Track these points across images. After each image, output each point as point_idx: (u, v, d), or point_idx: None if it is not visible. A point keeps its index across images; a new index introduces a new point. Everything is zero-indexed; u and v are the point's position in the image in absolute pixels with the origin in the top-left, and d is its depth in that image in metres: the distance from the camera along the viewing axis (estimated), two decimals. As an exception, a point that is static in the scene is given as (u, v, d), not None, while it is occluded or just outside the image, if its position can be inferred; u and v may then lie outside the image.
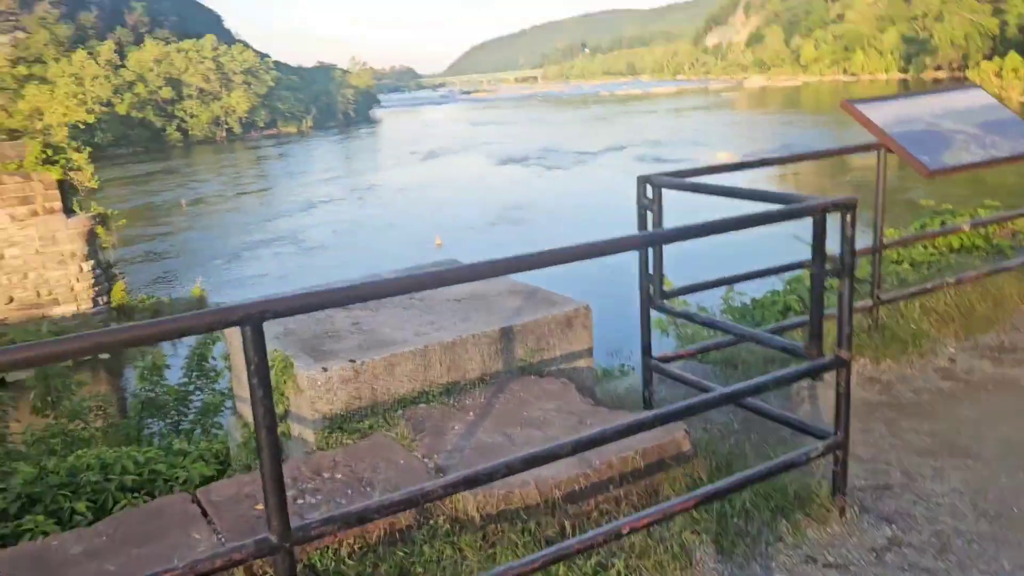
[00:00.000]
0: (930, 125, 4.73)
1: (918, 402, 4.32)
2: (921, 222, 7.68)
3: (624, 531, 2.57)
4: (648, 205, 3.68)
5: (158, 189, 54.51)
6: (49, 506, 4.10)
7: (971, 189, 19.34)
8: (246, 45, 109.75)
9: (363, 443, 3.28)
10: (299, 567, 2.54)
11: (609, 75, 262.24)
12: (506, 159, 59.11)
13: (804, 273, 5.74)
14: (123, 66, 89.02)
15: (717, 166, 4.14)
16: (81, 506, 4.11)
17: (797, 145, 54.29)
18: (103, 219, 23.63)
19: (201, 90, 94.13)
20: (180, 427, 8.93)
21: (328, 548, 2.65)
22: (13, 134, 24.34)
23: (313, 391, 3.38)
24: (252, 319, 1.82)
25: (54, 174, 21.97)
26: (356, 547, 2.68)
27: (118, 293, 23.46)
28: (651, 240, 3.26)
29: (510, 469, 2.35)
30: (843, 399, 3.03)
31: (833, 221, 3.03)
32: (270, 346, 3.70)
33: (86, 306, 22.69)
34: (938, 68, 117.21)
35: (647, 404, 3.98)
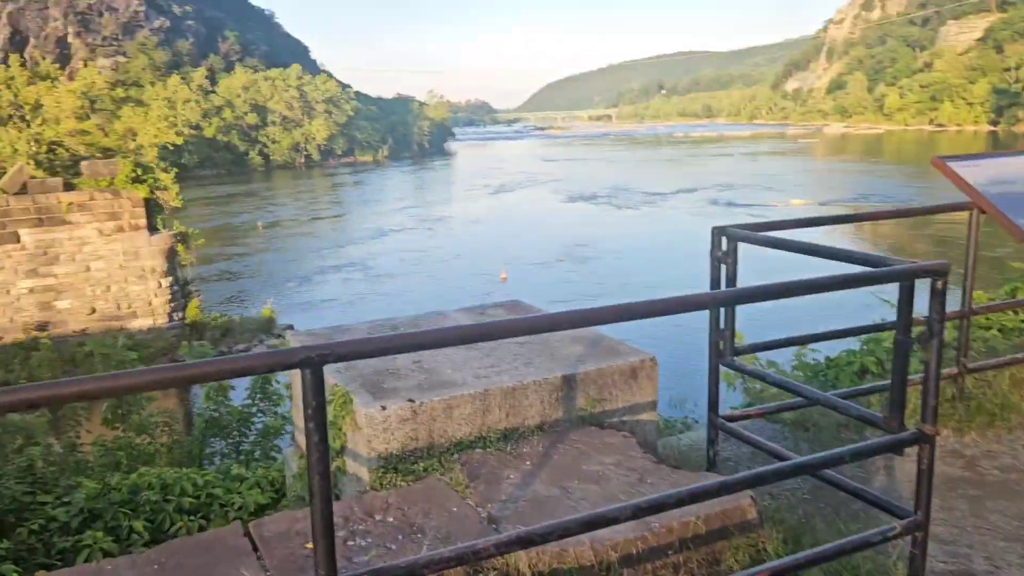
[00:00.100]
0: (1027, 186, 4.49)
1: (1005, 481, 4.04)
2: (1012, 287, 7.30)
3: (683, 603, 2.44)
4: (722, 258, 3.57)
5: (238, 211, 56.43)
6: (109, 523, 4.16)
7: (1064, 250, 18.42)
8: (329, 75, 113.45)
9: (417, 486, 3.23)
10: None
11: (684, 116, 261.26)
12: (576, 196, 59.24)
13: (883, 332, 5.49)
14: (213, 92, 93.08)
15: (799, 220, 3.99)
16: (139, 525, 4.16)
17: (877, 195, 52.93)
18: (183, 237, 24.50)
19: (284, 117, 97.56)
20: (241, 447, 9.07)
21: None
22: (107, 152, 25.44)
23: (371, 429, 3.35)
24: (312, 363, 1.79)
25: (141, 192, 22.91)
26: (403, 597, 2.61)
27: (192, 310, 24.18)
28: (726, 300, 3.15)
29: (566, 532, 2.26)
30: (925, 477, 2.83)
31: (921, 282, 2.88)
32: (331, 380, 3.70)
33: (162, 321, 23.44)
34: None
35: (711, 464, 3.82)
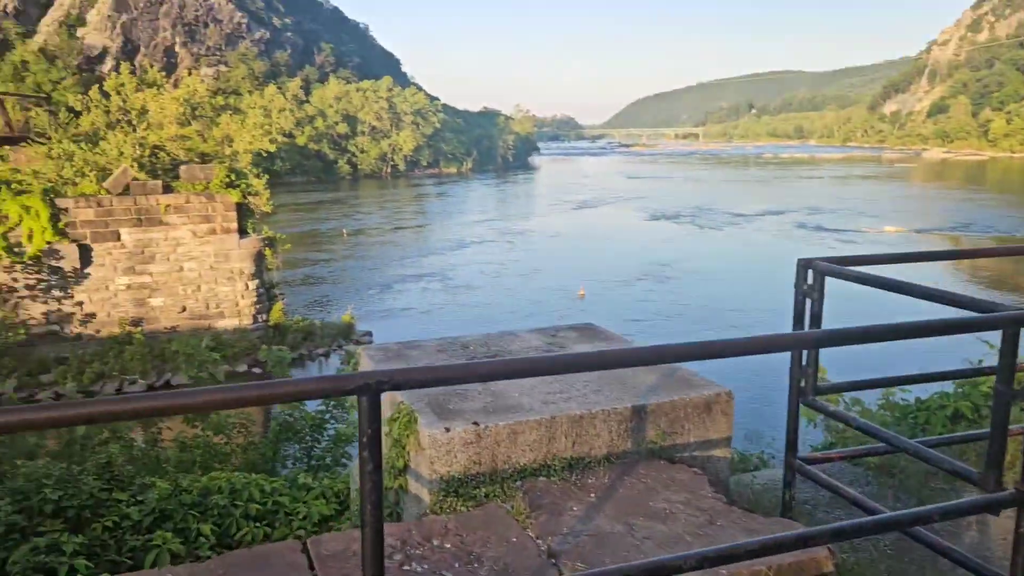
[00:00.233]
0: None
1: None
2: None
3: (749, 662, 2.29)
4: (808, 292, 3.39)
5: (325, 217, 58.00)
6: (179, 524, 4.24)
7: None
8: (418, 88, 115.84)
9: (477, 512, 3.16)
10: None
11: (774, 137, 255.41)
12: (658, 214, 58.56)
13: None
14: (307, 101, 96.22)
15: (892, 255, 3.77)
16: (207, 529, 4.23)
17: (978, 224, 50.43)
18: (271, 242, 25.28)
19: (373, 128, 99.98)
20: (313, 452, 9.20)
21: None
22: (205, 158, 26.52)
23: (434, 450, 3.31)
24: (369, 389, 1.74)
25: (234, 197, 23.75)
26: (456, 629, 2.55)
27: (276, 312, 24.89)
28: (811, 343, 2.97)
29: (626, 577, 2.15)
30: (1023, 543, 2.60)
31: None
32: (398, 396, 3.68)
33: (247, 322, 24.21)
34: None
35: (786, 508, 3.63)
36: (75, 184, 22.65)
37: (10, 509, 4.06)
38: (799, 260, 3.41)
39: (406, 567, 2.77)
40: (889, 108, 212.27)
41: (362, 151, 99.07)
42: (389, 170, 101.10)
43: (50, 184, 22.14)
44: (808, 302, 3.40)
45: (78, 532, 4.00)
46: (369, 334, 26.05)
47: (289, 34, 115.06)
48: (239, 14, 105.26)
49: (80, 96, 29.82)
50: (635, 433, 3.64)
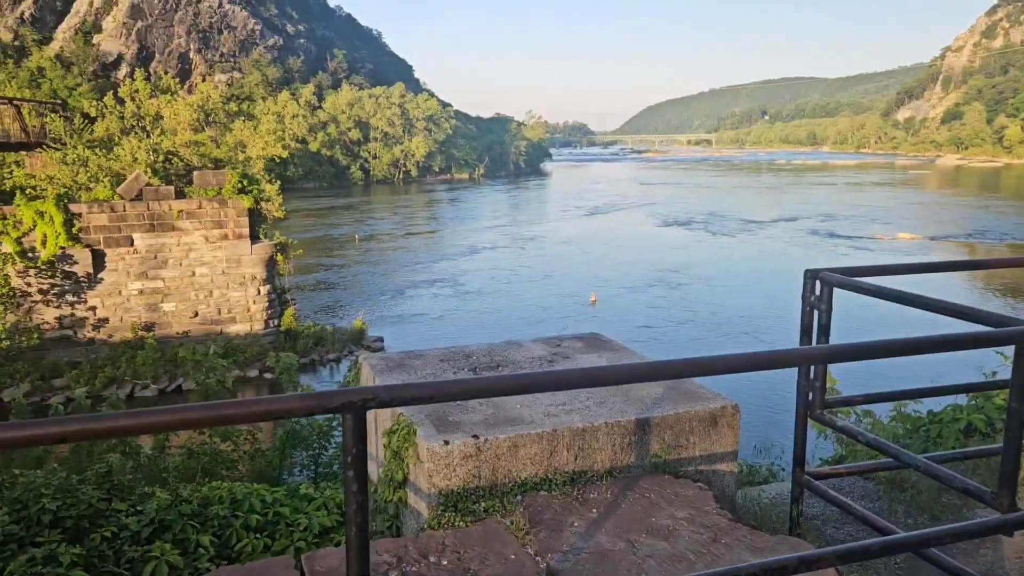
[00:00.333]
0: None
1: None
2: None
3: None
4: (815, 303, 3.32)
5: (337, 223, 58.18)
6: (178, 535, 4.20)
7: None
8: (431, 94, 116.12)
9: (476, 528, 3.10)
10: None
11: (787, 143, 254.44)
12: (670, 221, 58.39)
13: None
14: (320, 107, 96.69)
15: (904, 265, 3.68)
16: (206, 540, 4.18)
17: (993, 231, 49.99)
18: (283, 247, 25.35)
19: (385, 134, 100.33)
20: (320, 459, 9.17)
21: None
22: (218, 163, 26.66)
23: (432, 464, 3.25)
24: (353, 407, 1.69)
25: (246, 202, 23.84)
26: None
27: (288, 318, 24.94)
28: (818, 358, 2.89)
29: (623, 601, 2.08)
30: (1039, 565, 2.51)
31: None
32: (398, 408, 3.63)
33: (258, 327, 24.27)
34: None
35: (794, 524, 3.54)
36: (89, 189, 22.80)
37: (7, 519, 4.03)
38: (806, 271, 3.33)
39: (401, 584, 2.71)
40: (903, 115, 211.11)
41: (374, 157, 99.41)
42: (401, 176, 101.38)
43: (64, 189, 22.29)
44: (816, 314, 3.33)
45: (76, 543, 3.97)
46: (380, 339, 26.04)
47: (302, 41, 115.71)
48: (253, 21, 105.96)
49: (95, 102, 30.05)
50: (639, 446, 3.57)
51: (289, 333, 24.64)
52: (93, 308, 22.54)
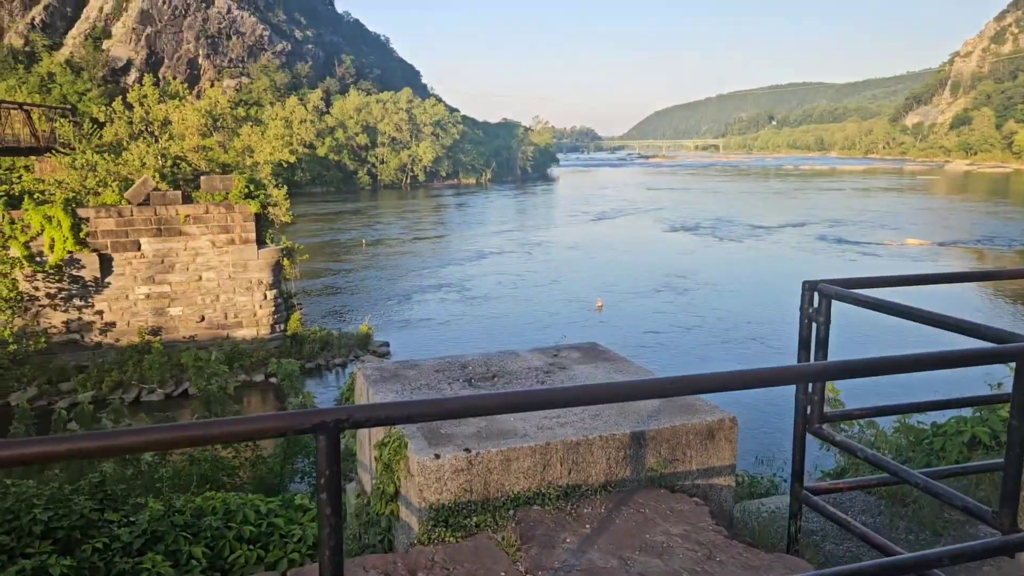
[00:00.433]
0: None
1: None
2: None
3: None
4: (813, 316, 3.26)
5: (344, 227, 58.27)
6: (170, 546, 4.16)
7: None
8: (438, 99, 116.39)
9: (466, 544, 3.05)
10: None
11: (795, 149, 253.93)
12: (677, 226, 58.28)
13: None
14: (327, 113, 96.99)
15: (904, 277, 3.62)
16: (198, 551, 4.15)
17: (1002, 238, 49.69)
18: (289, 252, 25.38)
19: (393, 139, 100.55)
20: (321, 467, 9.12)
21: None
22: (226, 168, 26.73)
23: (423, 478, 3.20)
24: (327, 428, 1.65)
25: (253, 207, 23.88)
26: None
27: (294, 322, 24.94)
28: (814, 376, 2.83)
29: (608, 625, 2.03)
30: (1040, 588, 2.45)
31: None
32: (391, 420, 3.58)
33: (265, 331, 24.28)
34: None
35: (792, 541, 3.48)
36: (97, 194, 22.88)
37: (-2, 530, 4.00)
38: (804, 283, 3.28)
39: (389, 602, 2.66)
40: (911, 120, 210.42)
41: (382, 162, 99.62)
42: (409, 181, 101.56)
43: (73, 194, 22.38)
44: (814, 326, 3.27)
45: (67, 554, 3.93)
46: (386, 344, 26.02)
47: (310, 46, 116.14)
48: (261, 27, 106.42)
49: (104, 107, 30.20)
50: (634, 460, 3.52)
51: (295, 337, 24.64)
52: (100, 312, 22.60)
